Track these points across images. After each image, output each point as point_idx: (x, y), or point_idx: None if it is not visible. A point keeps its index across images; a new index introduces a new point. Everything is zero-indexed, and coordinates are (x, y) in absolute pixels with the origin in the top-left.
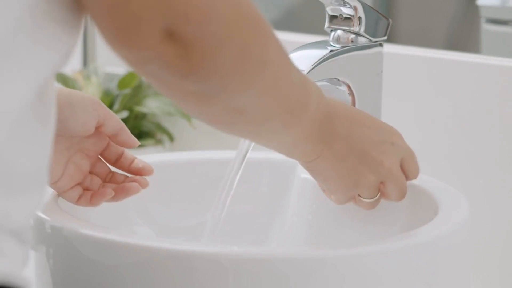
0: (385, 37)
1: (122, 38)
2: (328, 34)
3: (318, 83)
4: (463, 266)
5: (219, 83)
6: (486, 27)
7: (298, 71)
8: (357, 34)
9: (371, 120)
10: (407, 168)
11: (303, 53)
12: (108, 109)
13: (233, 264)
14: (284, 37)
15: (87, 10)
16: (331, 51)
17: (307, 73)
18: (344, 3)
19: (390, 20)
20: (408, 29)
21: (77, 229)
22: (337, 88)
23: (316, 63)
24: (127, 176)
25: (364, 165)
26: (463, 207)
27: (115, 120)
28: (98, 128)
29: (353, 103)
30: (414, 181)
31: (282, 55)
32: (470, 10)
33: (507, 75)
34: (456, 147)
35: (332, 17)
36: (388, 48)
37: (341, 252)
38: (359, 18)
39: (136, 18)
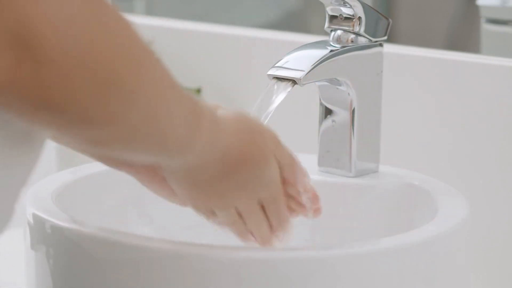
0: (385, 37)
1: None
2: (328, 34)
3: (318, 83)
4: (463, 266)
5: (77, 115)
6: (486, 27)
7: (187, 103)
8: (357, 34)
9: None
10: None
11: (303, 53)
12: None
13: (233, 264)
14: (284, 37)
15: None
16: (331, 51)
17: (307, 73)
18: (344, 3)
19: (390, 20)
20: (408, 29)
21: (77, 229)
22: (337, 88)
23: (316, 63)
24: None
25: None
26: (463, 207)
27: None
28: None
29: (353, 103)
30: (414, 181)
31: (161, 87)
32: (470, 10)
33: (507, 75)
34: (456, 147)
35: (332, 17)
36: (388, 48)
37: (341, 252)
38: (359, 18)
39: None
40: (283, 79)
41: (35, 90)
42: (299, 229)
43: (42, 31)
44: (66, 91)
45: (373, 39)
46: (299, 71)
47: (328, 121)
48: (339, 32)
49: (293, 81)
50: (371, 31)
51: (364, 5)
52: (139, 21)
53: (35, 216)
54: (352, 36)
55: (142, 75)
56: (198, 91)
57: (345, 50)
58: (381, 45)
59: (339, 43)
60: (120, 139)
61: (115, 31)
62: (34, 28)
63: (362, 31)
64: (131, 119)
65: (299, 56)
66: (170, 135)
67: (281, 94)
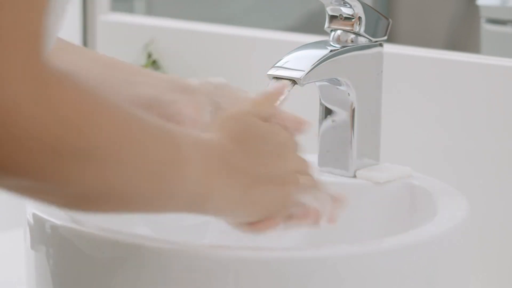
0: (385, 37)
1: None
2: (328, 34)
3: (318, 83)
4: (463, 266)
5: (35, 182)
6: (486, 27)
7: (157, 137)
8: (357, 34)
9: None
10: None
11: (303, 53)
12: None
13: (233, 264)
14: (285, 37)
15: None
16: (331, 51)
17: (307, 73)
18: (344, 3)
19: (390, 20)
20: (408, 29)
21: (77, 229)
22: (337, 88)
23: (316, 63)
24: None
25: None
26: (463, 207)
27: None
28: None
29: (353, 103)
30: (414, 181)
31: (123, 133)
32: (470, 10)
33: (507, 75)
34: (456, 147)
35: (332, 17)
36: (388, 48)
37: (341, 252)
38: (359, 18)
39: None
40: (283, 79)
41: None
42: (299, 229)
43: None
44: (16, 167)
45: (373, 39)
46: (299, 71)
47: (328, 121)
48: (339, 32)
49: (293, 81)
50: (371, 31)
51: (364, 5)
52: (139, 21)
53: (35, 216)
54: (352, 36)
55: (97, 131)
56: None
57: (345, 50)
58: (381, 45)
59: (339, 43)
60: (94, 192)
61: (55, 104)
62: None
63: (362, 31)
64: (93, 173)
65: (299, 56)
66: (151, 174)
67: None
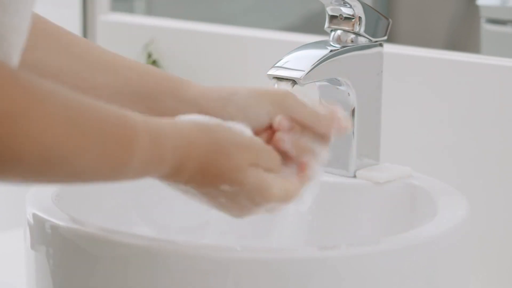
0: (385, 37)
1: None
2: (328, 34)
3: (318, 83)
4: (463, 266)
5: None
6: (486, 27)
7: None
8: (357, 34)
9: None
10: None
11: (303, 53)
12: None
13: (233, 264)
14: (285, 37)
15: None
16: (331, 51)
17: (307, 73)
18: (344, 3)
19: (390, 20)
20: (408, 29)
21: (77, 229)
22: (337, 88)
23: (316, 63)
24: None
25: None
26: (463, 207)
27: None
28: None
29: (353, 103)
30: (414, 181)
31: (59, 124)
32: (470, 10)
33: (507, 75)
34: (456, 147)
35: (332, 17)
36: (388, 48)
37: (341, 252)
38: (359, 18)
39: None
40: (283, 79)
41: None
42: (299, 229)
43: None
44: None
45: (373, 39)
46: (299, 71)
47: None
48: (339, 32)
49: (293, 81)
50: (371, 31)
51: (364, 5)
52: (139, 21)
53: (35, 216)
54: (352, 36)
55: (26, 134)
56: None
57: (345, 50)
58: (381, 45)
59: (339, 43)
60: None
61: None
62: None
63: (362, 31)
64: (33, 162)
65: (299, 56)
66: (81, 167)
67: None
